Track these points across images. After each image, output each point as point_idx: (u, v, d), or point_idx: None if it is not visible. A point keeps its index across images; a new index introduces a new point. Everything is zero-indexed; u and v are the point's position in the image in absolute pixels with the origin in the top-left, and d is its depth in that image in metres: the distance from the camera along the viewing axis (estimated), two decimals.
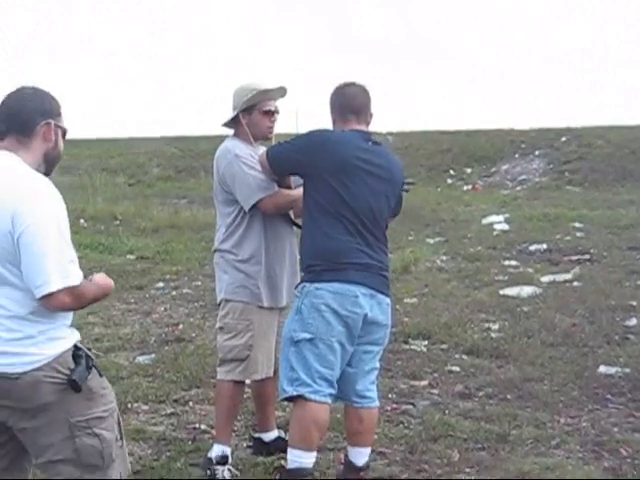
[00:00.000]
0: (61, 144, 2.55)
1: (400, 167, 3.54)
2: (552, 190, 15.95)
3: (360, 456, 3.51)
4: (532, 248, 9.66)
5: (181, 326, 6.53)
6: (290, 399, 3.31)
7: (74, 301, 2.39)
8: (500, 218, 11.93)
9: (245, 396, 4.06)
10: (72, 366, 2.43)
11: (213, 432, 3.99)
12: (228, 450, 3.74)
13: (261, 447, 3.96)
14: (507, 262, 9.05)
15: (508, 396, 4.80)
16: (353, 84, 3.49)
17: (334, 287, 3.23)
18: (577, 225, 10.87)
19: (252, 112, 3.68)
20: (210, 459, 3.69)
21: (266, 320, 3.67)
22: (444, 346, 5.85)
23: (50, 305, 2.36)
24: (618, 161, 17.17)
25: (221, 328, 3.73)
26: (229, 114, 3.76)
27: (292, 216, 3.75)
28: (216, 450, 3.71)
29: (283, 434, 3.95)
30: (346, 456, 3.57)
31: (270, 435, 3.97)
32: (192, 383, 5.00)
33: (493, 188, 17.32)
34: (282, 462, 3.64)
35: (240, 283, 3.64)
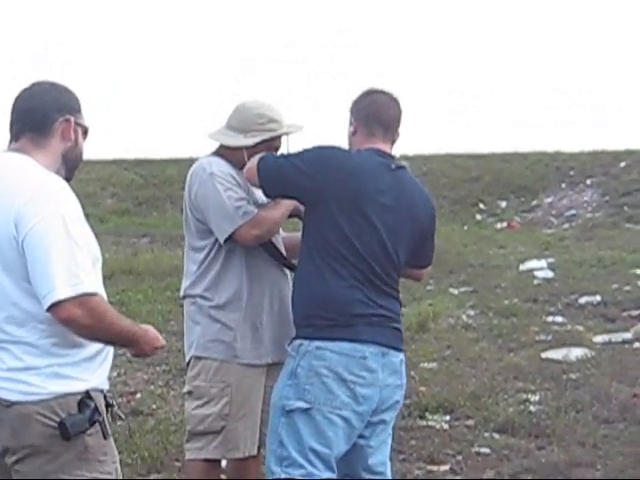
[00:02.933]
0: (82, 144, 2.79)
1: (429, 199, 3.62)
2: (608, 228, 16.04)
3: None
4: (582, 301, 9.68)
5: (138, 395, 6.55)
6: None
7: (87, 315, 2.49)
8: (542, 263, 11.98)
9: None
10: (73, 412, 2.54)
11: None
12: None
13: None
14: (551, 318, 9.07)
15: None
16: (384, 92, 3.56)
17: (341, 347, 3.27)
18: (639, 272, 10.94)
19: (258, 146, 3.70)
20: None
21: (247, 382, 3.68)
22: (470, 422, 5.86)
23: (59, 318, 2.49)
24: None
25: (190, 393, 3.75)
26: (222, 128, 3.77)
27: (284, 253, 3.80)
28: None
29: None
30: None
31: None
32: (151, 467, 5.00)
33: (534, 226, 17.41)
34: None
35: (214, 336, 3.68)
